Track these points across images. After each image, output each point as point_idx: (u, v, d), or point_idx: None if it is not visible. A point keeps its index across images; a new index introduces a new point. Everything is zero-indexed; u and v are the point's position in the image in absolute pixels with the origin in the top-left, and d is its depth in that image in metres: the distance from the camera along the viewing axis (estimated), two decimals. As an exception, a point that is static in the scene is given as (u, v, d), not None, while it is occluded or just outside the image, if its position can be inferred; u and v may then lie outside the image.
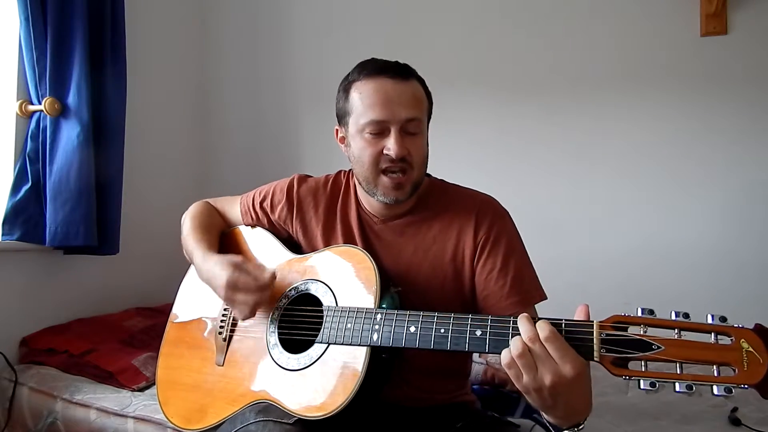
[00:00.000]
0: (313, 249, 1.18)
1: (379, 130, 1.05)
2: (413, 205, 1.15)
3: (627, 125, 2.09)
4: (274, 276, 1.08)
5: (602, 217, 2.11)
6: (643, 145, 2.07)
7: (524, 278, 1.08)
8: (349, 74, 1.12)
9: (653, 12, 2.04)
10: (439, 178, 1.23)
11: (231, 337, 1.15)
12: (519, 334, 0.79)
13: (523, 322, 0.79)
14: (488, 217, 1.11)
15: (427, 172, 1.21)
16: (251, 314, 1.07)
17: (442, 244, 1.11)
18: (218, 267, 1.10)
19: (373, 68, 1.08)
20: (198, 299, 1.24)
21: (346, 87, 1.11)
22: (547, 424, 0.87)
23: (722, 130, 1.98)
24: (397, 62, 1.10)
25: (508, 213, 1.15)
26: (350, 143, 1.12)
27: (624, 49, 2.08)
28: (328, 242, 1.18)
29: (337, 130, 1.18)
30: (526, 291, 1.07)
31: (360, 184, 1.13)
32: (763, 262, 1.92)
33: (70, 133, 1.78)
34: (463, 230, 1.10)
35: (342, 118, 1.14)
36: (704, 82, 1.99)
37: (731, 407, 1.46)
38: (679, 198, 2.02)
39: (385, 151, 1.05)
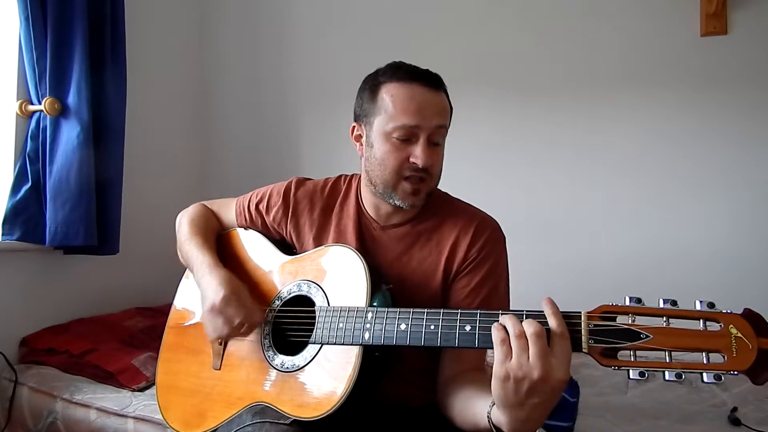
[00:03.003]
0: (306, 252, 1.18)
1: (408, 136, 1.04)
2: (416, 214, 1.15)
3: (627, 125, 2.09)
4: (261, 319, 1.09)
5: (602, 217, 2.11)
6: (643, 145, 2.07)
7: (492, 304, 1.07)
8: (378, 74, 1.10)
9: (653, 12, 2.04)
10: (443, 190, 1.21)
11: (227, 341, 1.15)
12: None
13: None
14: (483, 236, 1.10)
15: None
16: (220, 340, 1.09)
17: (437, 257, 1.11)
18: (218, 284, 1.08)
19: (407, 73, 1.07)
20: (195, 304, 1.24)
21: (373, 87, 1.09)
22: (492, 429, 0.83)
23: (722, 129, 1.98)
24: (428, 71, 1.09)
25: (504, 238, 1.14)
26: (372, 144, 1.09)
27: (624, 49, 2.08)
28: (319, 246, 1.17)
29: (354, 127, 1.16)
30: None
31: (374, 185, 1.11)
32: (765, 262, 1.92)
33: (70, 133, 1.78)
34: (458, 245, 1.10)
35: (364, 117, 1.11)
36: (704, 82, 1.99)
37: (731, 407, 1.46)
38: (680, 198, 2.02)
39: (412, 159, 1.04)
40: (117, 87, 1.96)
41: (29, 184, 1.78)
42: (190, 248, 1.22)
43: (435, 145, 1.06)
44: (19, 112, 1.82)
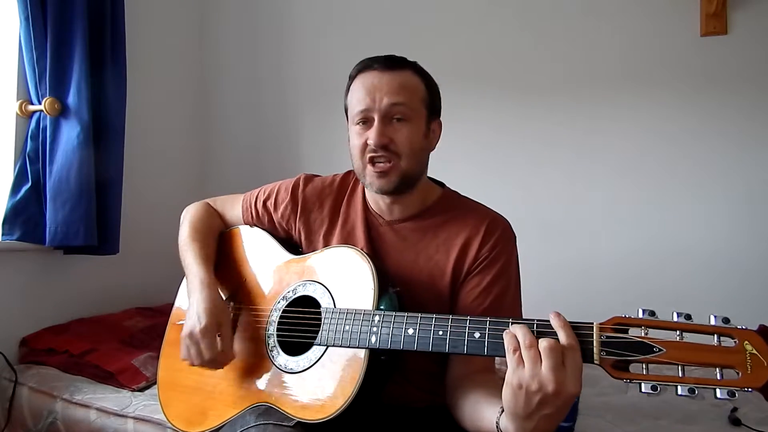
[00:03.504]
0: (314, 249, 1.18)
1: (364, 119, 1.07)
2: (421, 210, 1.15)
3: (627, 125, 2.09)
4: (231, 359, 1.08)
5: (602, 217, 2.11)
6: (643, 145, 2.06)
7: (503, 304, 1.06)
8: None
9: (653, 12, 2.04)
10: (454, 189, 1.22)
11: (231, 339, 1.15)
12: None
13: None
14: (495, 235, 1.09)
15: (435, 178, 1.20)
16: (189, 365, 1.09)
17: (445, 255, 1.10)
18: (203, 311, 1.08)
19: (364, 63, 1.11)
20: None
21: (347, 87, 1.14)
22: None
23: (722, 130, 1.98)
24: (389, 55, 1.11)
25: (514, 237, 1.14)
26: (349, 138, 1.14)
27: (624, 49, 2.08)
28: (329, 243, 1.17)
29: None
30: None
31: (358, 177, 1.14)
32: (765, 262, 1.91)
33: (70, 133, 1.78)
34: (469, 244, 1.09)
35: (346, 115, 1.16)
36: (704, 82, 1.99)
37: (731, 407, 1.46)
38: (680, 198, 2.02)
39: (368, 141, 1.06)
40: (117, 87, 1.96)
41: (29, 184, 1.77)
42: (187, 255, 1.22)
43: (397, 121, 1.06)
44: (19, 112, 1.82)
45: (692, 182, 2.01)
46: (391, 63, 1.09)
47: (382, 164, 1.06)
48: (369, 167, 1.07)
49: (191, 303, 1.11)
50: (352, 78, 1.12)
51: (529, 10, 2.20)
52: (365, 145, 1.07)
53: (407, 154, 1.07)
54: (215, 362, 1.06)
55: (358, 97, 1.08)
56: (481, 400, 0.92)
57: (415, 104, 1.08)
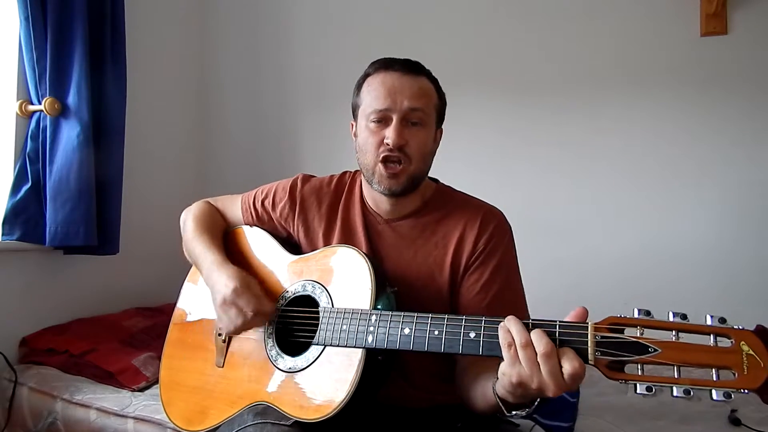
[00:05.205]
0: (314, 248, 1.18)
1: (381, 118, 1.08)
2: (418, 208, 1.15)
3: (627, 125, 2.09)
4: (273, 309, 1.09)
5: (601, 217, 2.11)
6: (643, 145, 2.06)
7: (506, 297, 1.07)
8: (365, 70, 1.15)
9: (653, 12, 2.04)
10: (447, 184, 1.23)
11: (230, 338, 1.15)
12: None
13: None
14: (490, 228, 1.11)
15: (432, 176, 1.21)
16: (235, 333, 1.10)
17: (443, 250, 1.11)
18: (227, 278, 1.09)
19: (383, 63, 1.12)
20: (200, 301, 1.24)
21: (359, 83, 1.15)
22: (500, 405, 0.85)
23: (722, 130, 1.98)
24: (407, 59, 1.12)
25: (511, 229, 1.15)
26: (357, 134, 1.15)
27: (624, 49, 2.08)
28: (328, 242, 1.18)
29: (352, 125, 1.20)
30: (504, 309, 1.04)
31: (363, 174, 1.15)
32: (763, 263, 1.91)
33: (70, 133, 1.78)
34: (465, 237, 1.10)
35: (354, 112, 1.17)
36: (704, 82, 1.99)
37: (731, 407, 1.46)
38: (679, 198, 2.02)
39: (385, 140, 1.07)
40: (117, 87, 1.96)
41: (29, 184, 1.78)
42: (196, 246, 1.22)
43: (413, 125, 1.08)
44: (19, 112, 1.82)
45: (692, 182, 2.01)
46: (410, 67, 1.10)
47: (394, 165, 1.07)
48: (380, 166, 1.08)
49: (212, 283, 1.12)
50: (367, 75, 1.13)
51: (528, 11, 2.20)
52: (380, 143, 1.07)
53: (418, 159, 1.09)
54: (259, 315, 1.06)
55: (376, 96, 1.08)
56: (489, 383, 0.92)
57: (430, 110, 1.11)
